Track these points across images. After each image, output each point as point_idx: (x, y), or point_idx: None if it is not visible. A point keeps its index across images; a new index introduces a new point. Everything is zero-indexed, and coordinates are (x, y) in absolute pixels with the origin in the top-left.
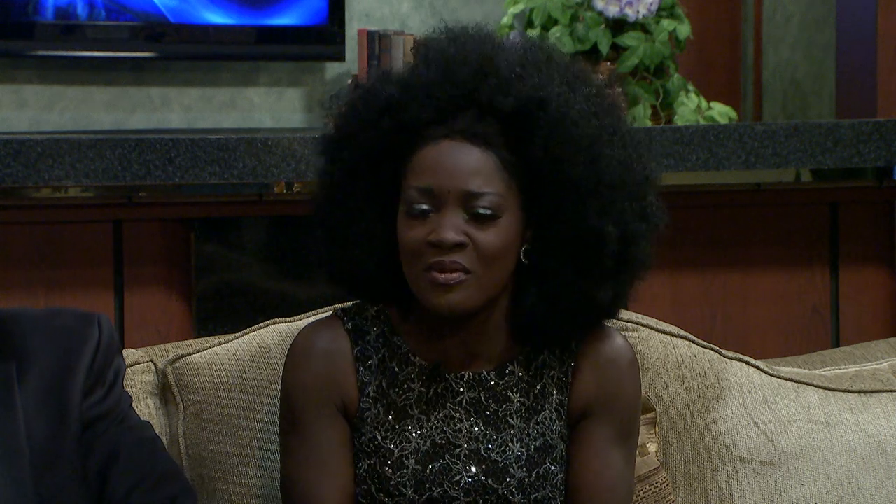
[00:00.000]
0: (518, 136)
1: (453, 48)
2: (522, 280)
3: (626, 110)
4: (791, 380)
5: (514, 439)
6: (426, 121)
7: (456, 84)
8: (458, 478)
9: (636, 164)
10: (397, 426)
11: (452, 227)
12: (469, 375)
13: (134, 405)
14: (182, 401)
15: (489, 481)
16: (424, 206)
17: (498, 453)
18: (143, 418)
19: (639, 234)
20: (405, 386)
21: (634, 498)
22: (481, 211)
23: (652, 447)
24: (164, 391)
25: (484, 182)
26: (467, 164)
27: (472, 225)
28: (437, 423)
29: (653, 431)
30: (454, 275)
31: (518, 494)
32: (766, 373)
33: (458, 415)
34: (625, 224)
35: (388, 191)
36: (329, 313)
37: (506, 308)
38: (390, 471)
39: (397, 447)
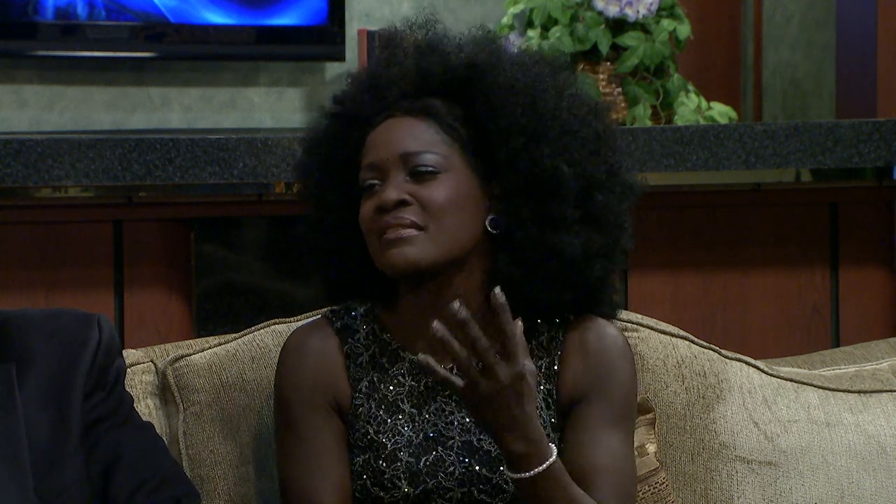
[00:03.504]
0: (459, 105)
1: (391, 43)
2: (496, 251)
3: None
4: (791, 380)
5: None
6: (371, 111)
7: (394, 72)
8: (451, 469)
9: (589, 118)
10: (389, 420)
11: (394, 187)
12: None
13: (134, 405)
14: (182, 401)
15: (483, 471)
16: (371, 181)
17: (490, 443)
18: (143, 418)
19: (600, 182)
20: (396, 381)
21: (635, 480)
22: (421, 168)
23: (651, 448)
24: (164, 391)
25: (421, 142)
26: (404, 130)
27: (414, 183)
28: (429, 416)
29: (652, 432)
30: (405, 230)
31: (512, 483)
32: (766, 373)
33: (448, 407)
34: (581, 167)
35: (354, 193)
36: (318, 315)
37: (481, 283)
38: (384, 464)
39: (390, 441)
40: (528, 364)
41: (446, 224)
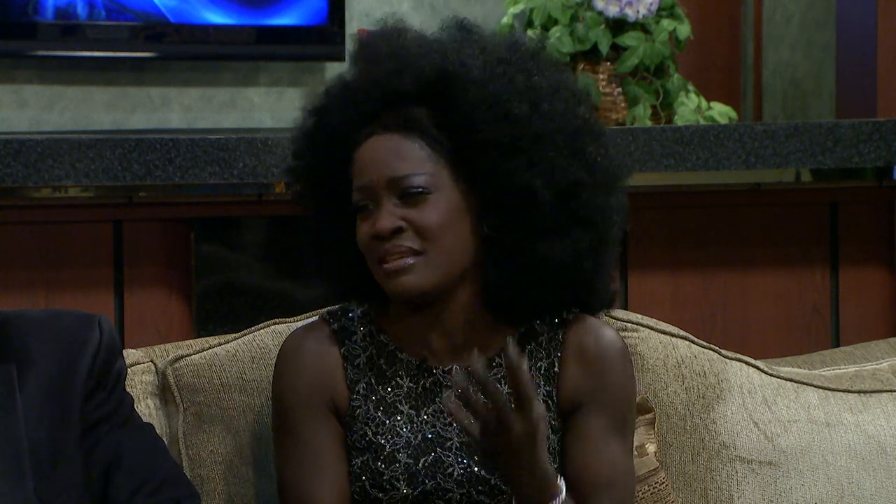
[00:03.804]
0: (439, 114)
1: (366, 50)
2: (487, 258)
3: (564, 67)
4: (791, 380)
5: None
6: (354, 124)
7: (371, 82)
8: (450, 470)
9: (566, 116)
10: (387, 422)
11: (387, 215)
12: (456, 369)
13: (134, 406)
14: (182, 401)
15: (481, 472)
16: (364, 203)
17: None
18: (143, 419)
19: (581, 183)
20: (394, 382)
21: (634, 489)
22: (410, 191)
23: (651, 448)
24: (165, 391)
25: (408, 164)
26: (390, 152)
27: (406, 208)
28: (427, 417)
29: (652, 432)
30: (401, 260)
31: None
32: (766, 373)
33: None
34: (558, 173)
35: (347, 201)
36: (315, 317)
37: (478, 291)
38: (383, 466)
39: (389, 442)
40: (540, 408)
41: (444, 245)
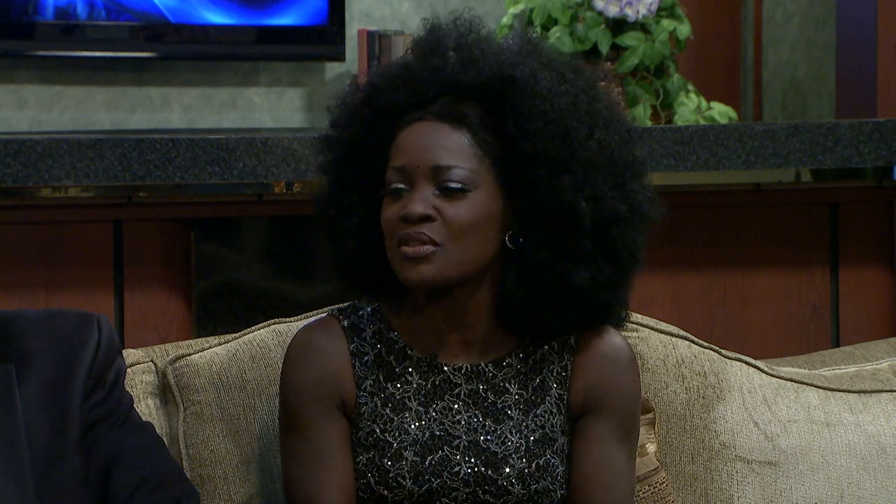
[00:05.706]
0: (493, 115)
1: (431, 37)
2: (507, 266)
3: (623, 106)
4: (791, 380)
5: (513, 430)
6: (404, 107)
7: (431, 69)
8: (457, 469)
9: (618, 148)
10: (395, 418)
11: (421, 200)
12: (467, 367)
13: (134, 405)
14: (182, 401)
15: (488, 472)
16: (399, 185)
17: (497, 444)
18: (143, 418)
19: (618, 217)
20: (403, 379)
21: (633, 498)
22: (450, 184)
23: (651, 447)
24: (165, 391)
25: (453, 157)
26: (437, 140)
27: (442, 199)
28: (436, 414)
29: (652, 432)
30: (423, 247)
31: (518, 485)
32: (766, 373)
33: (456, 406)
34: (600, 202)
35: (377, 184)
36: (325, 313)
37: (492, 297)
38: (389, 463)
39: (396, 439)
40: None
41: (466, 243)
